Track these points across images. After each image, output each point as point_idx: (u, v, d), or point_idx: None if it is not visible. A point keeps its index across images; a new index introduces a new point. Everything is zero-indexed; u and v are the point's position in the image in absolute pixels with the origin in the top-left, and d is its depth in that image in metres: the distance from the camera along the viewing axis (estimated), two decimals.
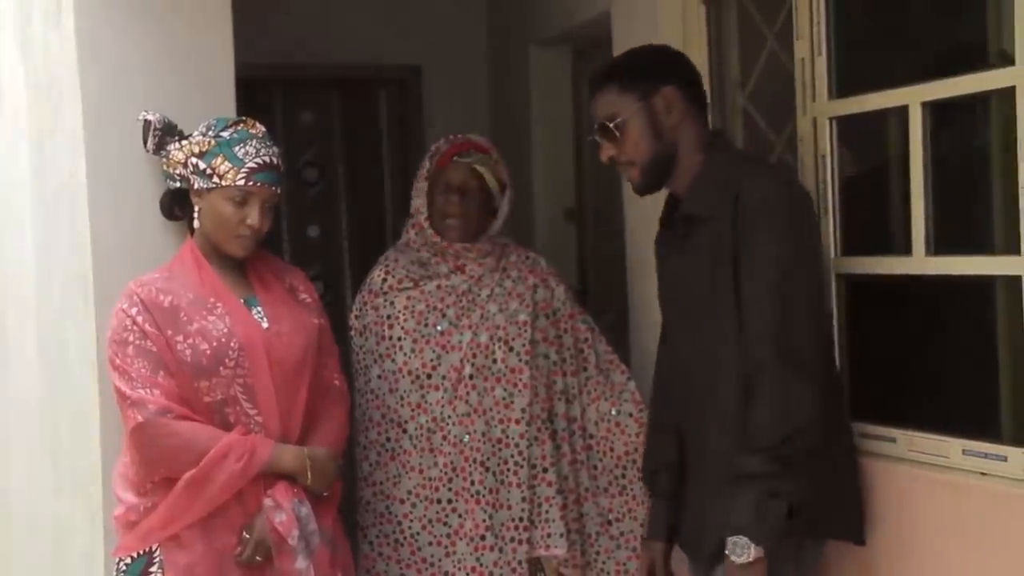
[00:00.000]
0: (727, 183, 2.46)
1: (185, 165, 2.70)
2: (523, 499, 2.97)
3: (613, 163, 2.57)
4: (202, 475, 2.55)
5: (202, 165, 2.66)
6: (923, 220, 2.54)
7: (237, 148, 2.65)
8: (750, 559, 2.33)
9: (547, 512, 3.00)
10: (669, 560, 2.71)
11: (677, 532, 2.69)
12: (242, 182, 2.64)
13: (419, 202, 3.08)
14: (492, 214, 3.10)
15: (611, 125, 2.52)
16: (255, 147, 2.67)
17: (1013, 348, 2.43)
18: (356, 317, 3.13)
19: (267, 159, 2.67)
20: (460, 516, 2.97)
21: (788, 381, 2.34)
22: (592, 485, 3.08)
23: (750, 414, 2.37)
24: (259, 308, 2.72)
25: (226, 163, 2.64)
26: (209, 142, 2.67)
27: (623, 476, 3.10)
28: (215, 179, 2.65)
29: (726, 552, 2.35)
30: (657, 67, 2.56)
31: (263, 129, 2.73)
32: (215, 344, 2.60)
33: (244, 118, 2.74)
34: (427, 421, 3.00)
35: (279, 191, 2.70)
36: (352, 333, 3.13)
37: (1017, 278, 2.36)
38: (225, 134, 2.68)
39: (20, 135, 3.46)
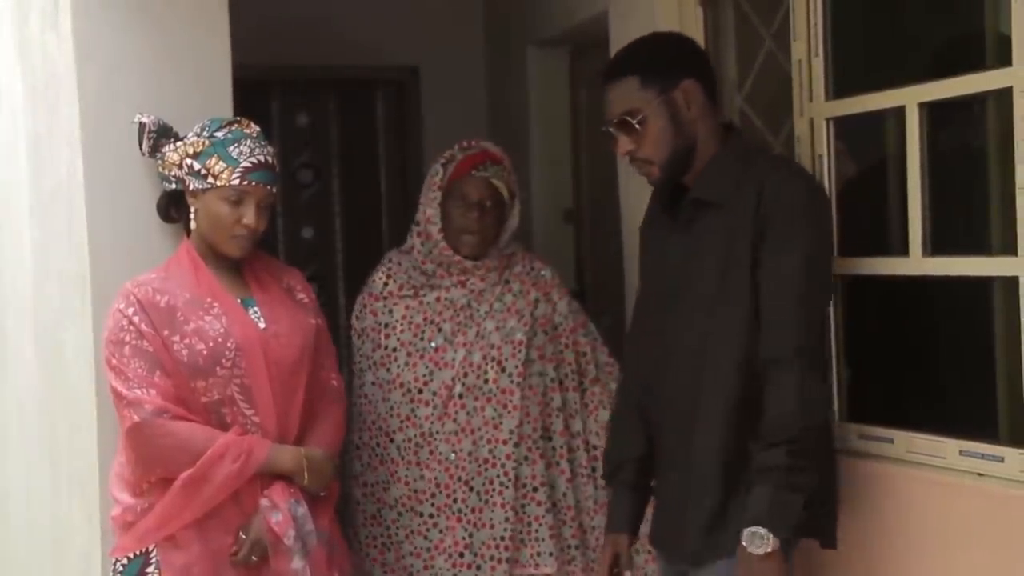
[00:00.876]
0: (744, 174, 2.44)
1: (180, 166, 2.69)
2: (506, 519, 2.95)
3: (631, 159, 2.53)
4: (199, 475, 2.56)
5: (197, 166, 2.66)
6: (920, 221, 2.53)
7: (231, 148, 2.65)
8: (768, 550, 2.31)
9: (536, 531, 2.98)
10: (631, 553, 2.68)
11: (637, 528, 2.67)
12: (237, 181, 2.64)
13: (431, 212, 3.02)
14: (503, 224, 3.07)
15: (633, 121, 2.48)
16: (249, 147, 2.67)
17: (1010, 349, 2.42)
18: (356, 318, 3.12)
19: (262, 158, 2.67)
20: (440, 532, 2.97)
21: (807, 377, 2.35)
22: (598, 495, 3.06)
23: (769, 408, 2.36)
24: (256, 308, 2.72)
25: (221, 163, 2.64)
26: (203, 142, 2.67)
27: None
28: (210, 179, 2.65)
29: (742, 544, 2.33)
30: (677, 60, 2.51)
31: (257, 129, 2.73)
32: (212, 344, 2.60)
33: (239, 118, 2.74)
34: (415, 435, 2.99)
35: (275, 190, 2.70)
36: (352, 333, 3.12)
37: (1014, 279, 2.35)
38: (219, 134, 2.68)
39: (17, 135, 3.46)
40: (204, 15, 2.93)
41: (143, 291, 2.64)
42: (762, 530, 2.31)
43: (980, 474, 2.41)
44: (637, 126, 2.47)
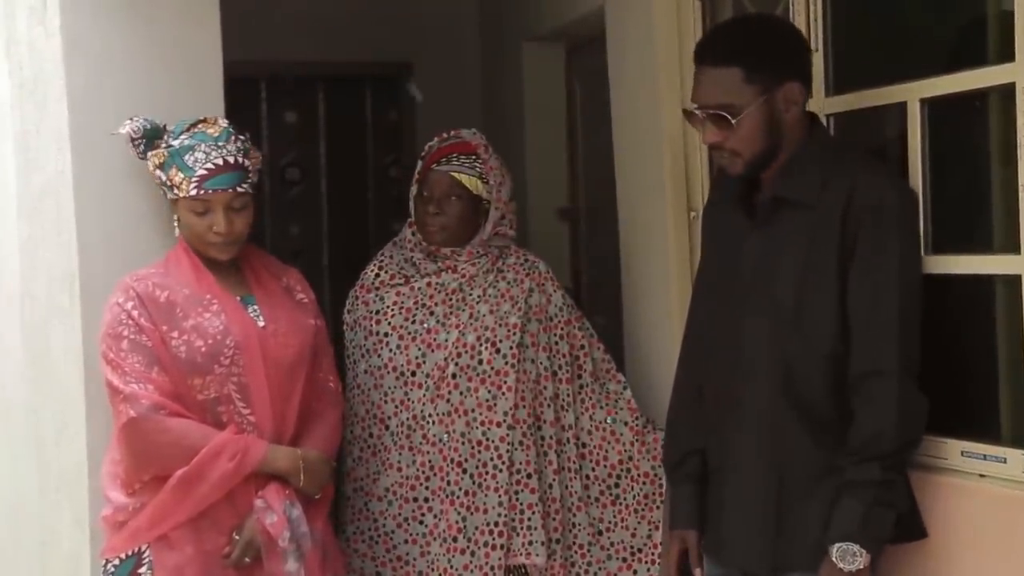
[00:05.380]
0: (831, 174, 2.38)
1: (155, 177, 2.67)
2: (500, 503, 2.93)
3: (713, 147, 2.45)
4: (194, 473, 2.54)
5: (163, 177, 2.65)
6: (922, 218, 2.51)
7: (187, 157, 2.61)
8: (860, 566, 2.30)
9: (529, 519, 2.96)
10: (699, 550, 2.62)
11: (703, 524, 2.61)
12: (194, 192, 2.60)
13: (411, 204, 3.07)
14: (485, 215, 3.06)
15: (730, 118, 2.37)
16: (205, 152, 2.61)
17: (1012, 348, 2.40)
18: (348, 311, 3.12)
19: (219, 161, 2.62)
20: (435, 516, 2.95)
21: (908, 391, 2.32)
22: (583, 494, 3.04)
23: (864, 420, 2.33)
24: (255, 307, 2.70)
25: (179, 174, 2.62)
26: (163, 153, 2.64)
27: (616, 486, 3.05)
28: (175, 190, 2.63)
29: (833, 559, 2.31)
30: (785, 59, 2.42)
31: (222, 126, 2.67)
32: (210, 341, 2.58)
33: (204, 117, 2.69)
34: (408, 418, 2.97)
35: (242, 188, 2.64)
36: (344, 327, 3.11)
37: (1017, 277, 2.34)
38: (176, 143, 2.64)
39: (5, 133, 3.43)
40: (194, 10, 2.91)
41: (142, 285, 2.61)
42: (855, 546, 2.29)
43: (982, 475, 2.40)
44: (732, 121, 2.38)
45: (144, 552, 2.57)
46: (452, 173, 3.01)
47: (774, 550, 2.43)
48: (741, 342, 2.48)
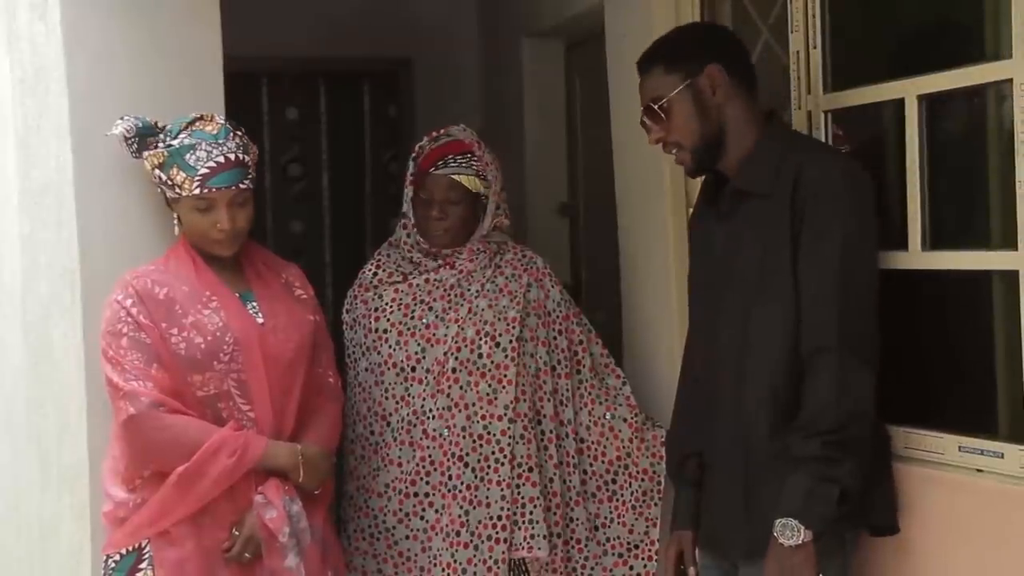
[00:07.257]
0: (783, 162, 2.43)
1: (153, 177, 2.67)
2: (502, 497, 2.93)
3: (662, 146, 2.55)
4: (194, 470, 2.54)
5: (163, 176, 2.65)
6: (919, 214, 2.52)
7: (188, 156, 2.61)
8: (799, 542, 2.30)
9: (531, 513, 2.96)
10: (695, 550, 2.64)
11: (699, 525, 2.63)
12: (198, 190, 2.61)
13: (406, 206, 3.08)
14: (483, 210, 3.07)
15: (656, 107, 2.50)
16: (206, 150, 2.61)
17: (1009, 343, 2.41)
18: (347, 311, 3.12)
19: (221, 159, 2.62)
20: (437, 511, 2.95)
21: (849, 367, 2.32)
22: (582, 490, 3.04)
23: (808, 397, 2.34)
24: (255, 303, 2.70)
25: (181, 173, 2.61)
26: (163, 153, 2.64)
27: (613, 482, 3.06)
28: (176, 189, 2.63)
29: (774, 534, 2.32)
30: (701, 45, 2.53)
31: (220, 123, 2.67)
32: (210, 338, 2.59)
33: (201, 115, 2.69)
34: (409, 414, 2.98)
35: (244, 184, 2.65)
36: (344, 327, 3.11)
37: (1014, 273, 2.34)
38: (175, 142, 2.64)
39: (6, 128, 3.43)
40: (195, 6, 2.91)
41: (141, 282, 2.62)
42: (794, 521, 2.30)
43: (979, 470, 2.40)
44: (662, 113, 2.49)
45: (145, 548, 2.58)
46: (452, 176, 3.01)
47: (746, 536, 2.45)
48: (716, 335, 2.52)
